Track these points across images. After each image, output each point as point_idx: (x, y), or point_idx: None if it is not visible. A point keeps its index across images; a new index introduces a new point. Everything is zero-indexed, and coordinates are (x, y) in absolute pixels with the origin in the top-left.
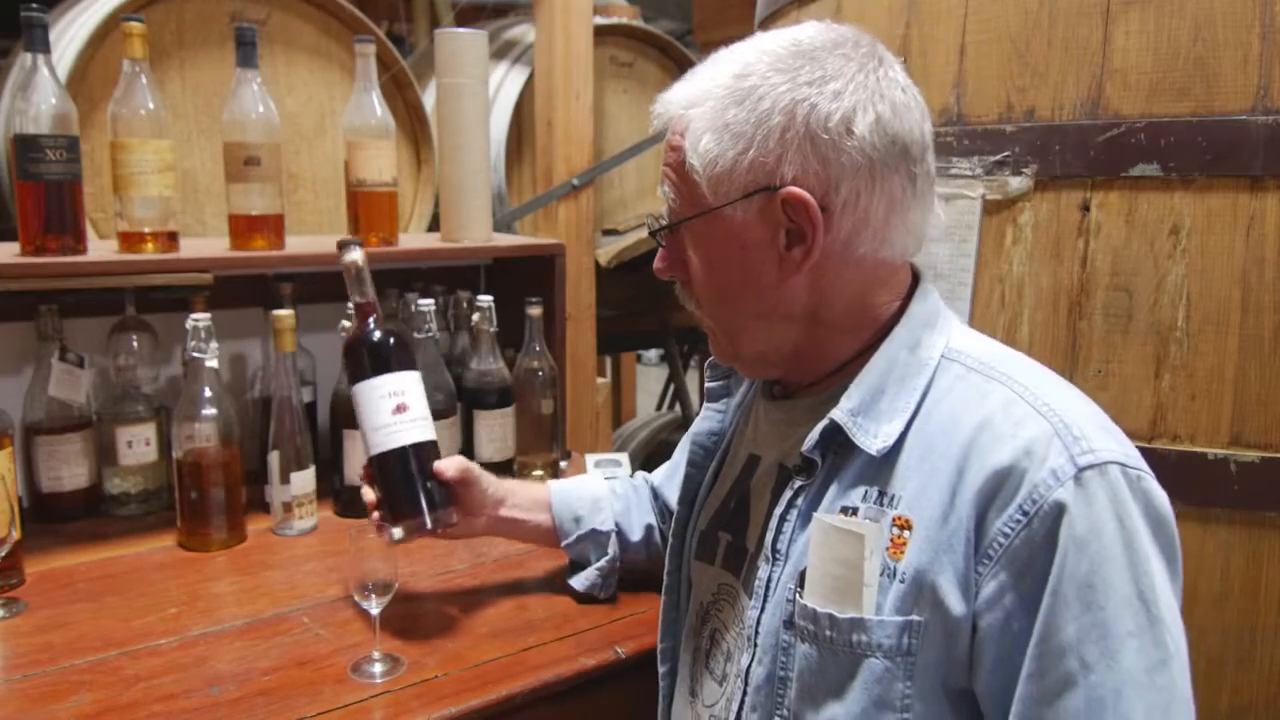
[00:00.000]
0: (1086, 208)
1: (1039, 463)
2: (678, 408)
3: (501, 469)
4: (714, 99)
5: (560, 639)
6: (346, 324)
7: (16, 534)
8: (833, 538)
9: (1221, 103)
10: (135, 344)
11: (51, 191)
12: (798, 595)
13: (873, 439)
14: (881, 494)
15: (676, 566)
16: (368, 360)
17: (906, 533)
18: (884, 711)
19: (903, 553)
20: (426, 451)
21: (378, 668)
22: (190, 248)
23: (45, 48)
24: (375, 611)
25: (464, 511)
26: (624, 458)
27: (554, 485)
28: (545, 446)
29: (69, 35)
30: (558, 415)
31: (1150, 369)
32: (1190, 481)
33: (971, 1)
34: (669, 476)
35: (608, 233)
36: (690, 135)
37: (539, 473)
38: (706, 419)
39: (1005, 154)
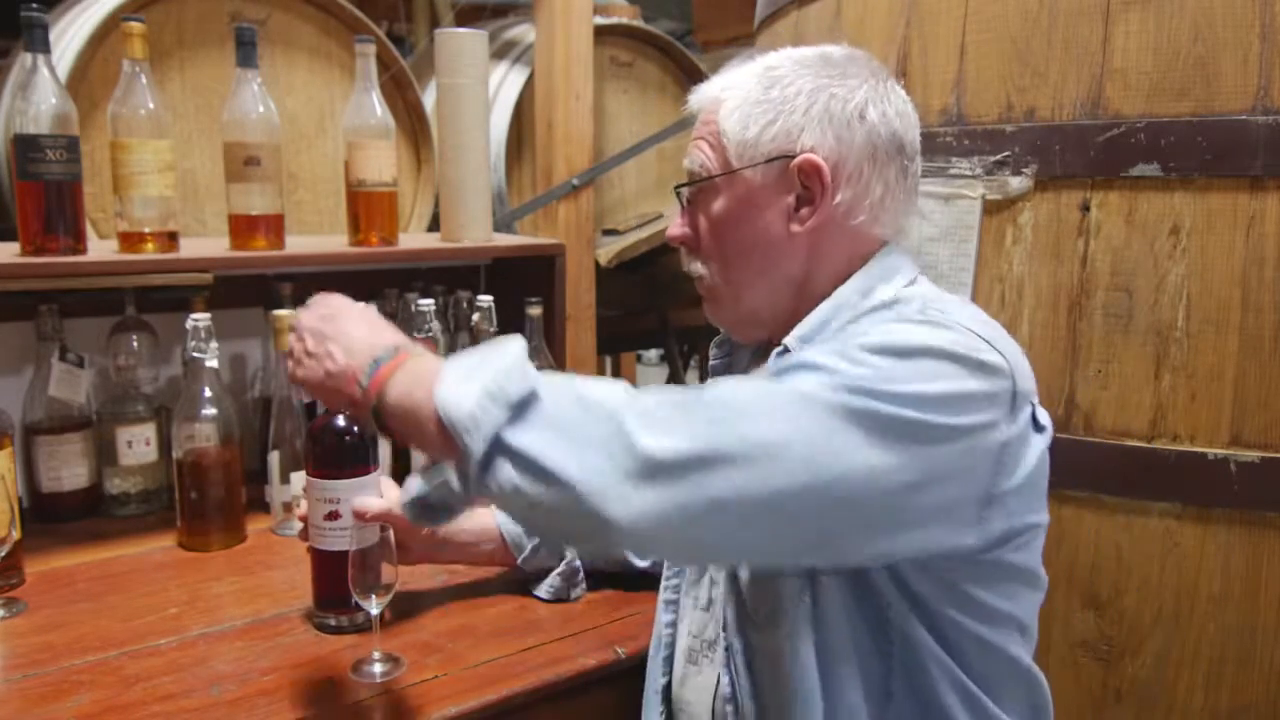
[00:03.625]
0: (1086, 208)
1: (894, 304)
2: None
3: None
4: (746, 85)
5: (560, 639)
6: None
7: (16, 534)
8: None
9: (1221, 103)
10: (135, 344)
11: (51, 191)
12: None
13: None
14: None
15: None
16: (315, 455)
17: None
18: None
19: None
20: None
21: (378, 668)
22: (190, 248)
23: (45, 48)
24: (375, 611)
25: (407, 552)
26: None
27: (496, 509)
28: None
29: (69, 35)
30: None
31: (1150, 369)
32: (1190, 481)
33: (971, 1)
34: None
35: (608, 233)
36: (724, 110)
37: None
38: None
39: (1005, 154)
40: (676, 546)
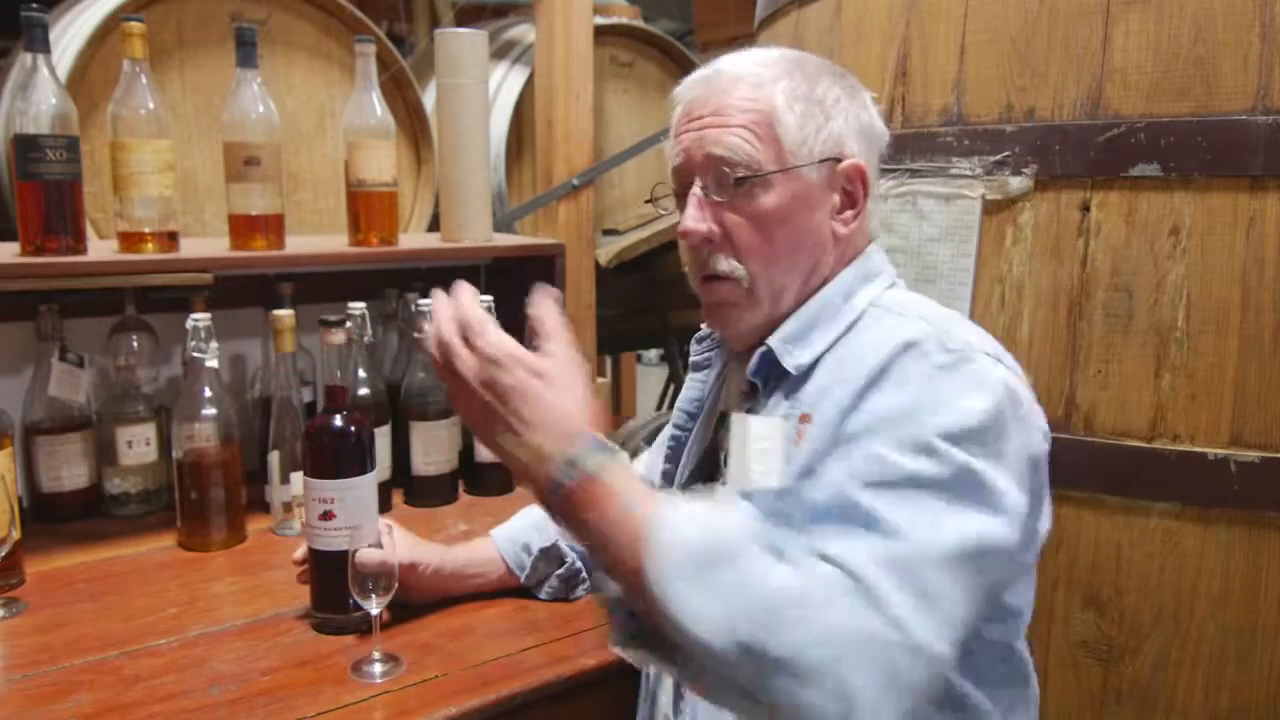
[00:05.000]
0: (1086, 208)
1: (912, 348)
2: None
3: (502, 469)
4: (789, 78)
5: (560, 639)
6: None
7: (16, 534)
8: (749, 429)
9: (1221, 103)
10: (135, 344)
11: (51, 191)
12: (721, 483)
13: (795, 361)
14: (795, 402)
15: None
16: (311, 455)
17: (804, 425)
18: None
19: (802, 440)
20: (346, 559)
21: (378, 668)
22: (190, 248)
23: (45, 48)
24: (375, 611)
25: (414, 592)
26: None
27: (495, 532)
28: None
29: (69, 35)
30: None
31: (1150, 369)
32: (1190, 481)
33: (971, 1)
34: (651, 456)
35: (608, 233)
36: (779, 100)
37: None
38: (690, 387)
39: (1005, 154)
40: None
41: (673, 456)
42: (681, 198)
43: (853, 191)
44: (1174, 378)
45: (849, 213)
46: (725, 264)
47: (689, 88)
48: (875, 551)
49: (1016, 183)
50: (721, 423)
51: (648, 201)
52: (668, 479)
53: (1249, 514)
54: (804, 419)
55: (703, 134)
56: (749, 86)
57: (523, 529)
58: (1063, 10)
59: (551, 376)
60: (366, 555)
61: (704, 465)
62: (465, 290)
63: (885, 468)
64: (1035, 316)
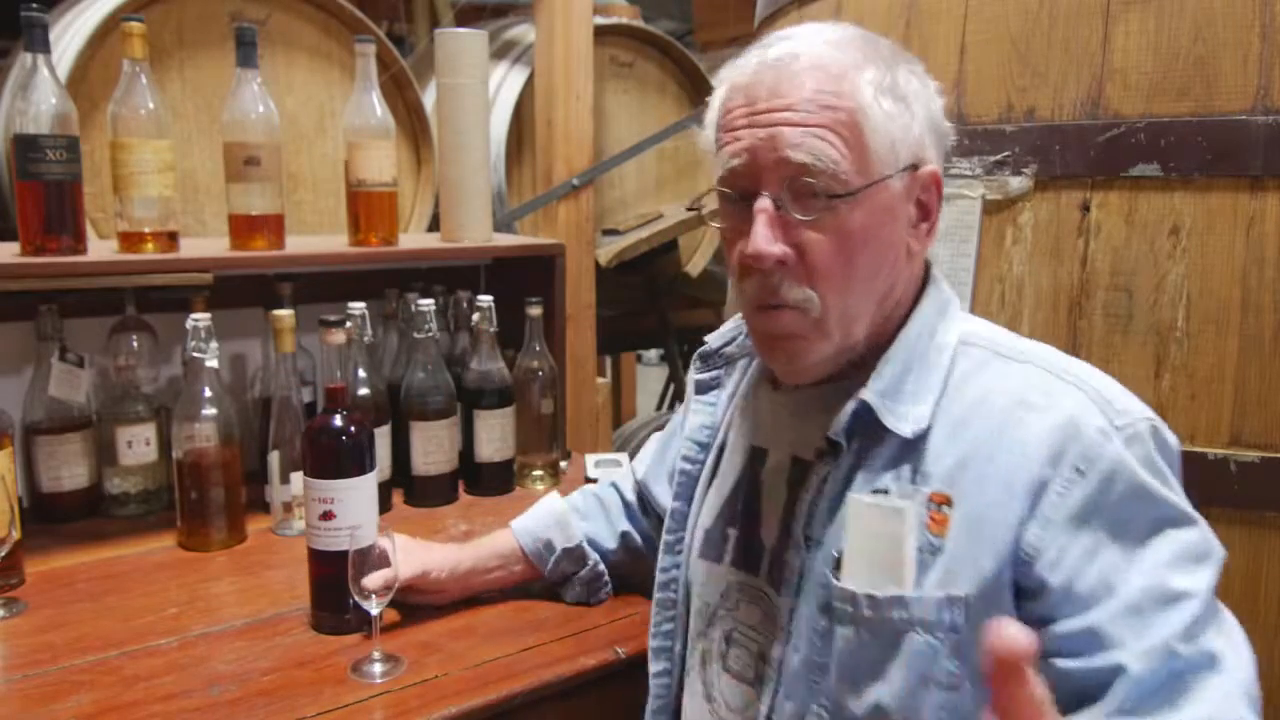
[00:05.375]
0: (1086, 208)
1: (1082, 426)
2: (678, 407)
3: (502, 469)
4: (873, 66)
5: (560, 639)
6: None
7: (16, 534)
8: (870, 515)
9: (1221, 103)
10: (135, 344)
11: (51, 191)
12: (833, 579)
13: (903, 421)
14: (915, 472)
15: (673, 564)
16: (311, 455)
17: (946, 508)
18: (929, 689)
19: (944, 529)
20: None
21: (378, 668)
22: (190, 248)
23: (45, 48)
24: (375, 611)
25: (435, 596)
26: (624, 458)
27: (515, 525)
28: (545, 446)
29: (69, 35)
30: (558, 415)
31: (1150, 369)
32: (1190, 481)
33: (971, 1)
34: (654, 467)
35: (608, 233)
36: (867, 91)
37: (539, 473)
38: (699, 413)
39: (1005, 154)
40: None
41: (683, 494)
42: (738, 206)
43: (927, 201)
44: (1174, 378)
45: (924, 225)
46: (798, 293)
47: (753, 72)
48: (1228, 688)
49: (1016, 183)
50: (756, 460)
51: (690, 210)
52: (679, 520)
53: (1249, 514)
54: (939, 500)
55: (775, 132)
56: (829, 76)
57: (545, 525)
58: (1063, 10)
59: None
60: (371, 581)
61: (734, 510)
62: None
63: (1179, 621)
64: (1035, 316)
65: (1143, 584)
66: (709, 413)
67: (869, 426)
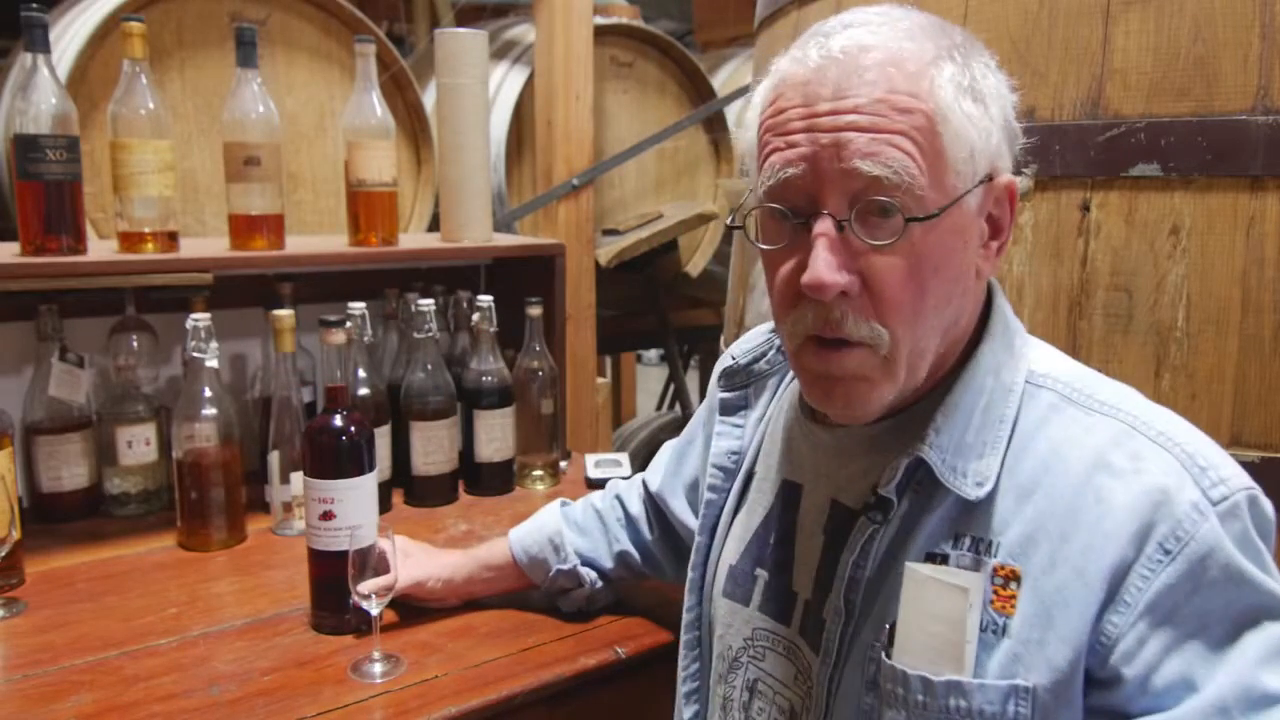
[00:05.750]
0: (1086, 208)
1: (1173, 498)
2: (677, 408)
3: (502, 469)
4: (952, 55)
5: (560, 639)
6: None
7: (16, 534)
8: (929, 591)
9: (1221, 103)
10: (135, 344)
11: (51, 191)
12: (884, 655)
13: (965, 480)
14: (977, 541)
15: (697, 602)
16: (311, 455)
17: (1013, 584)
18: None
19: (1011, 606)
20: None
21: (378, 668)
22: (190, 248)
23: (45, 48)
24: (375, 611)
25: (434, 603)
26: (624, 458)
27: (513, 537)
28: (545, 446)
29: (69, 35)
30: (558, 415)
31: (1150, 369)
32: None
33: (971, 1)
34: (669, 480)
35: (608, 233)
36: (947, 91)
37: (539, 473)
38: (724, 436)
39: None
40: None
41: (707, 526)
42: (790, 225)
43: (999, 216)
44: (1174, 378)
45: (994, 244)
46: (864, 328)
47: (815, 65)
48: None
49: (1016, 183)
50: (789, 496)
51: (730, 226)
52: (703, 555)
53: None
54: (1006, 574)
55: (841, 139)
56: (905, 74)
57: (539, 543)
58: (1063, 10)
59: None
60: (367, 587)
61: (764, 549)
62: None
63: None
64: (1035, 316)
65: (1230, 683)
66: (736, 436)
67: (922, 480)
